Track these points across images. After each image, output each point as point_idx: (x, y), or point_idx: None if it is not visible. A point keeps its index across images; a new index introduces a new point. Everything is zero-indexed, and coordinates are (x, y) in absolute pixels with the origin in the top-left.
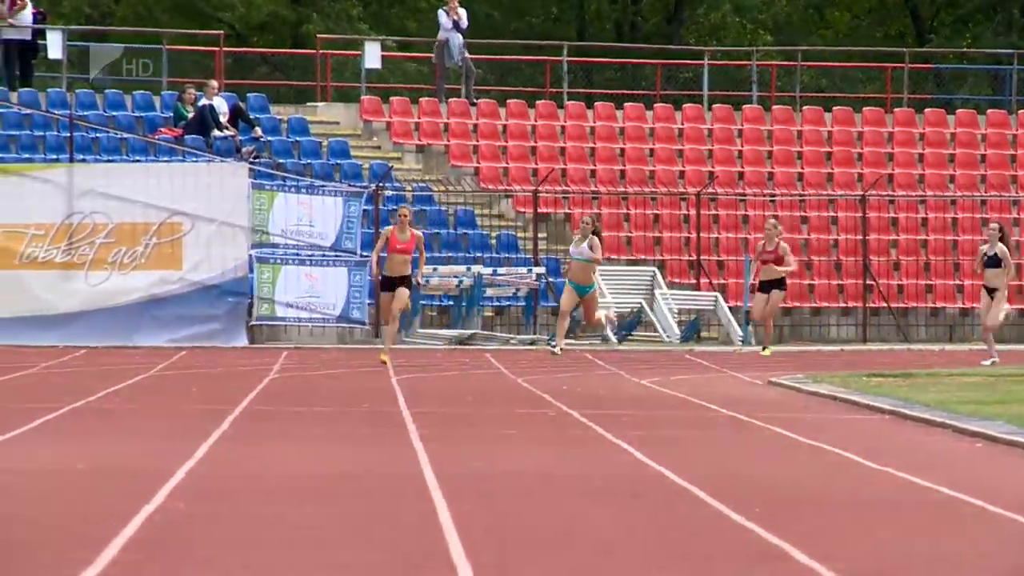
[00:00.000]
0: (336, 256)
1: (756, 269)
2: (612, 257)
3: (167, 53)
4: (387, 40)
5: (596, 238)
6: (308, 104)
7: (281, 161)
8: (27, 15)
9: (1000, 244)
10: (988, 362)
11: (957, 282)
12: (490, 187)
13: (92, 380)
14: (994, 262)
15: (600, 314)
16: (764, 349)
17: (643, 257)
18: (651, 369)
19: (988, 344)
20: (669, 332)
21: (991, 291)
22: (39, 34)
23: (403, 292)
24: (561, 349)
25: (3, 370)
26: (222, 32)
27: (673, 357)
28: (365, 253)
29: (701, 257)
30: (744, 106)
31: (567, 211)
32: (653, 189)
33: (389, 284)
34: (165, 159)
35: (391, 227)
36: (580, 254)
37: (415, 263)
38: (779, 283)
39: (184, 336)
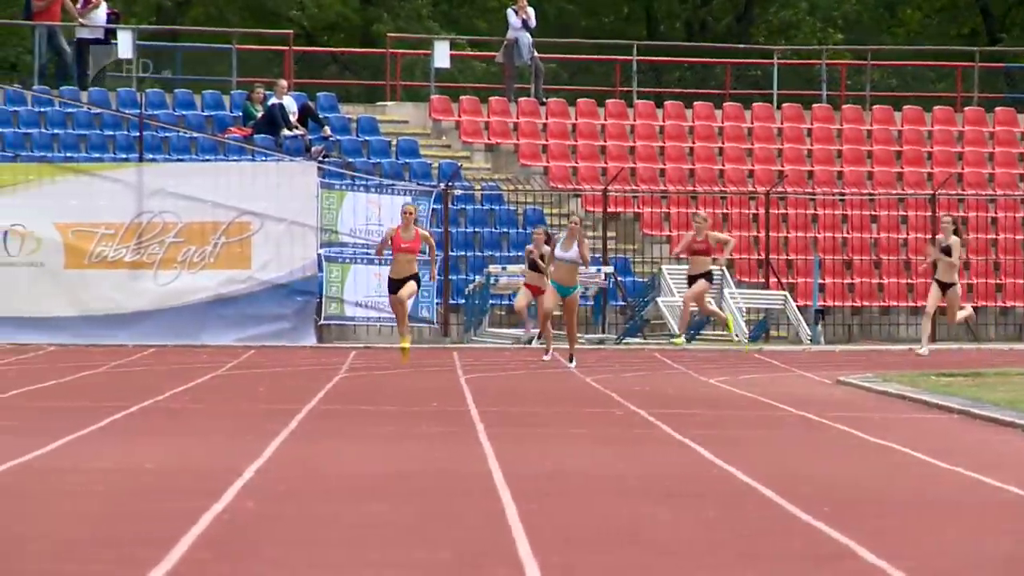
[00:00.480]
0: None
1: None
2: (681, 256)
3: (237, 53)
4: (457, 39)
5: (585, 240)
6: (377, 103)
7: (350, 160)
8: (100, 14)
9: (953, 236)
10: (923, 350)
11: None
12: (559, 186)
13: (160, 379)
14: (946, 251)
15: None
16: (677, 337)
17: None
18: (719, 368)
19: (923, 336)
20: (737, 331)
21: (943, 285)
22: (111, 34)
23: (410, 285)
24: (552, 351)
25: (72, 369)
26: (291, 32)
27: (741, 356)
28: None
29: (770, 256)
30: (814, 105)
31: (636, 210)
32: (722, 188)
33: (395, 287)
34: (234, 158)
35: (396, 226)
36: (568, 256)
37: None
38: (707, 274)
39: (252, 335)
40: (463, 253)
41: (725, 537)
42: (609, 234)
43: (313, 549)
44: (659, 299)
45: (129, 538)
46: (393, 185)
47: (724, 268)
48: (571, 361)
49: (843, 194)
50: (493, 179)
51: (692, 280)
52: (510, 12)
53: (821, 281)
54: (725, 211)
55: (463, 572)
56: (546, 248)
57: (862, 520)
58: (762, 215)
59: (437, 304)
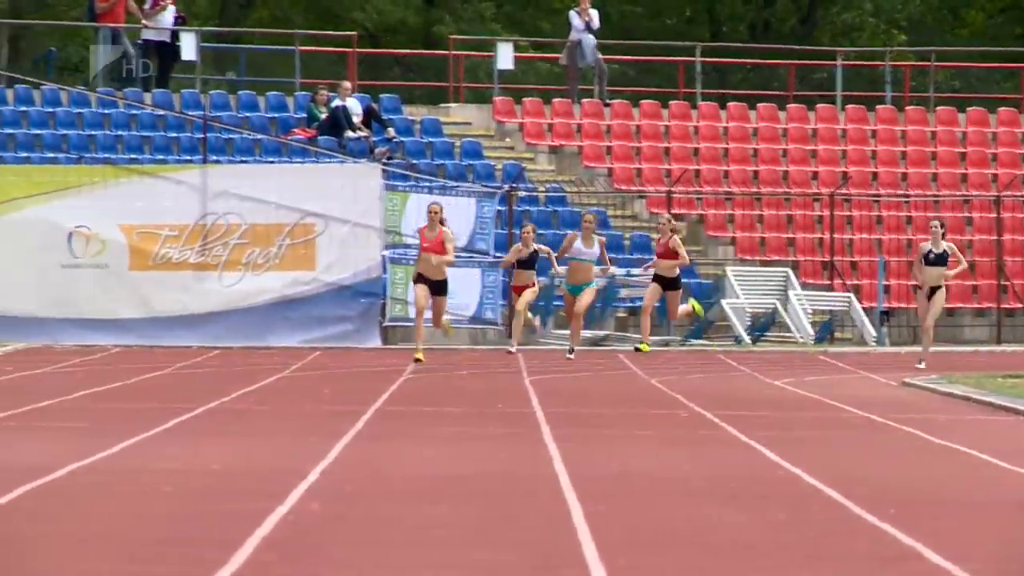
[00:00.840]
0: (469, 257)
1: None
2: (746, 258)
3: (300, 54)
4: (520, 41)
5: (601, 238)
6: (441, 105)
7: (414, 162)
8: (167, 17)
9: (944, 242)
10: (921, 364)
11: None
12: (623, 188)
13: (225, 381)
14: (941, 260)
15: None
16: (642, 344)
17: (776, 258)
18: (784, 370)
19: (925, 345)
20: (803, 333)
21: (932, 289)
22: (176, 36)
23: (441, 304)
24: (574, 349)
25: (138, 371)
26: (355, 33)
27: (806, 358)
28: (498, 254)
29: (835, 258)
30: (878, 106)
31: (701, 212)
32: (786, 190)
33: (423, 280)
34: (298, 160)
35: (422, 225)
36: (587, 255)
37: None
38: (673, 282)
39: (317, 337)
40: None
41: (791, 539)
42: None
43: (378, 550)
44: (724, 301)
45: (195, 539)
46: (457, 187)
47: (789, 270)
48: (571, 352)
49: (907, 196)
50: (557, 181)
51: (662, 283)
52: (573, 14)
53: (886, 283)
54: (789, 213)
55: (530, 574)
56: (538, 246)
57: (927, 521)
58: (826, 217)
59: (502, 305)
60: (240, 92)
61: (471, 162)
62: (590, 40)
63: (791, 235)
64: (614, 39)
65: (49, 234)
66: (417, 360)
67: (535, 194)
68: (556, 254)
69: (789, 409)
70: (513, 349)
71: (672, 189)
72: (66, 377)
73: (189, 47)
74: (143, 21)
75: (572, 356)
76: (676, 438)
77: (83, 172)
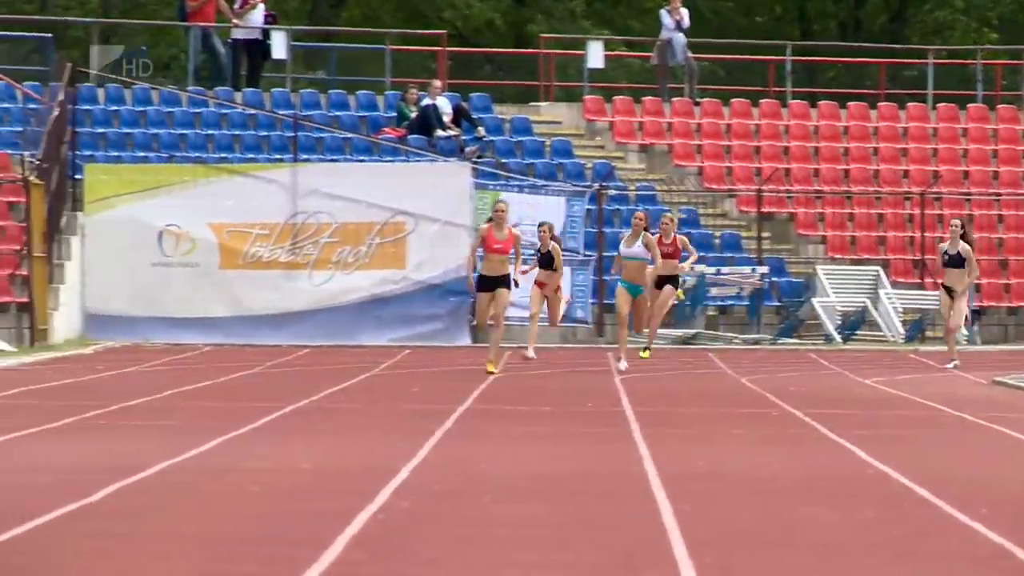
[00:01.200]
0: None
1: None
2: (836, 256)
3: (391, 53)
4: (610, 39)
5: (649, 235)
6: (531, 104)
7: (504, 161)
8: (257, 16)
9: (962, 242)
10: (951, 364)
11: None
12: (713, 187)
13: (315, 380)
14: (956, 262)
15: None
16: (644, 350)
17: (867, 256)
18: (875, 369)
19: (949, 346)
20: (893, 331)
21: (951, 291)
22: (266, 35)
23: (503, 295)
24: (626, 362)
25: (228, 369)
26: (445, 32)
27: (897, 357)
28: (588, 252)
29: (925, 256)
30: (969, 105)
31: (791, 211)
32: (877, 189)
33: (486, 284)
34: (388, 159)
35: (487, 224)
36: (634, 253)
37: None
38: (674, 279)
39: (406, 335)
40: (616, 253)
41: (882, 537)
42: (764, 234)
43: (467, 549)
44: (814, 299)
45: (284, 538)
46: (547, 185)
47: (880, 268)
48: (634, 357)
49: (998, 194)
50: (647, 179)
51: (659, 282)
52: (663, 13)
53: (977, 281)
54: (880, 211)
55: (618, 573)
56: (552, 244)
57: (1020, 521)
58: (917, 216)
59: (592, 304)
60: (331, 91)
61: (561, 161)
62: (680, 39)
63: (882, 233)
64: (704, 38)
65: (140, 233)
66: (489, 373)
67: (625, 193)
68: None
69: (879, 408)
70: (623, 365)
71: (762, 188)
72: (156, 375)
73: (280, 46)
74: (233, 20)
75: (623, 366)
76: (766, 437)
77: (174, 171)
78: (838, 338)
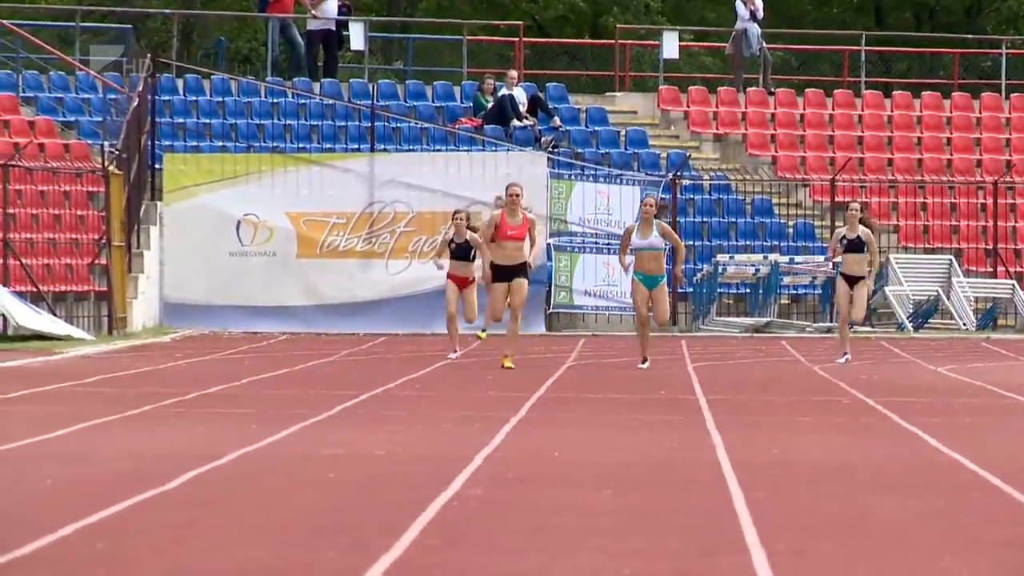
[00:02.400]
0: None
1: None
2: (909, 245)
3: (467, 44)
4: (685, 30)
5: (664, 224)
6: (607, 94)
7: (579, 150)
8: (331, 6)
9: (862, 227)
10: (843, 359)
11: None
12: (787, 176)
13: (391, 367)
14: (856, 246)
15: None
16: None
17: (940, 245)
18: (947, 357)
19: (842, 338)
20: (966, 320)
21: (851, 279)
22: (342, 26)
23: (522, 286)
24: (647, 359)
25: (305, 357)
26: (522, 23)
27: (969, 345)
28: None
29: (998, 245)
30: None
31: (864, 200)
32: (950, 178)
33: (502, 274)
34: (465, 149)
35: (500, 210)
36: (650, 244)
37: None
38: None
39: (481, 324)
40: (691, 242)
41: (952, 526)
42: (837, 223)
43: (540, 536)
44: (886, 288)
45: (359, 525)
46: (622, 175)
47: (952, 257)
48: (644, 362)
49: None
50: (721, 169)
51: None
52: (739, 3)
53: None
54: (953, 201)
55: (691, 560)
56: (471, 234)
57: None
58: (990, 205)
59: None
60: (408, 81)
61: (636, 150)
62: (755, 29)
63: (955, 223)
64: (779, 28)
65: (218, 222)
66: (504, 367)
67: (699, 182)
68: (620, 249)
69: (951, 396)
70: (646, 364)
71: (836, 177)
72: (233, 364)
73: (357, 37)
74: (311, 11)
75: (645, 366)
76: (837, 425)
77: (252, 161)
78: (910, 326)
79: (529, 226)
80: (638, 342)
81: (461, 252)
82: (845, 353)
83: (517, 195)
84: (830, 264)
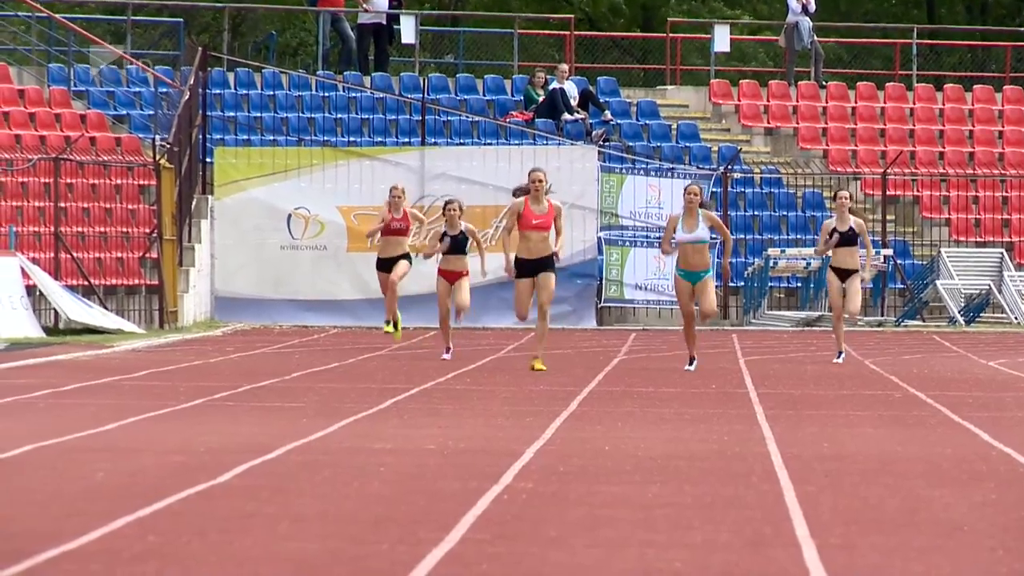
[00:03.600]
0: None
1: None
2: (960, 239)
3: (519, 37)
4: (737, 23)
5: (712, 214)
6: (658, 87)
7: (630, 144)
8: (382, 0)
9: (853, 217)
10: (839, 358)
11: None
12: (838, 170)
13: (441, 361)
14: (849, 239)
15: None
16: (388, 324)
17: (991, 239)
18: (998, 351)
19: (837, 335)
20: (1017, 314)
21: (843, 273)
22: (394, 19)
23: (549, 280)
24: (695, 359)
25: (354, 351)
26: (572, 16)
27: (1021, 339)
28: (713, 236)
29: None
30: None
31: (915, 194)
32: (1002, 171)
33: (527, 268)
34: (516, 142)
35: (523, 198)
36: (696, 236)
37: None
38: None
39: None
40: (742, 236)
41: (1004, 519)
42: (888, 217)
43: (592, 530)
44: (938, 282)
45: (410, 518)
46: (673, 169)
47: (1004, 251)
48: (691, 364)
49: None
50: (772, 163)
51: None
52: None
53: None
54: (1004, 194)
55: (742, 553)
56: (466, 225)
57: None
58: None
59: (716, 287)
60: (459, 75)
61: (687, 144)
62: (807, 22)
63: (1006, 216)
64: (830, 22)
65: (269, 216)
66: (534, 368)
67: (751, 176)
68: (662, 240)
69: (1002, 389)
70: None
71: (887, 171)
72: (284, 357)
73: (408, 30)
74: (362, 5)
75: (692, 368)
76: (889, 418)
77: (303, 155)
78: (961, 320)
79: (556, 214)
80: (684, 341)
81: (455, 245)
82: (840, 352)
83: (541, 180)
84: (880, 258)
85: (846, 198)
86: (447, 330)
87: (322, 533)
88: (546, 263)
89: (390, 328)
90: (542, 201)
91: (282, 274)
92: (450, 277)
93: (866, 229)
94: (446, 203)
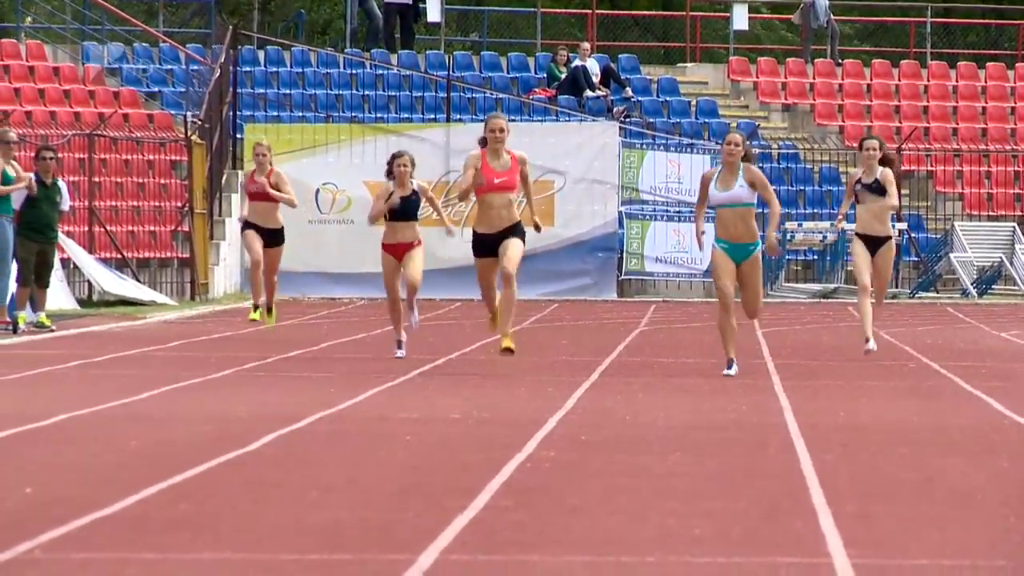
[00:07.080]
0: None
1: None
2: (973, 213)
3: (541, 16)
4: (755, 2)
5: (755, 169)
6: (678, 65)
7: (651, 120)
8: None
9: (882, 168)
10: (869, 346)
11: None
12: (854, 145)
13: (466, 332)
14: (877, 190)
15: None
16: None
17: (1004, 213)
18: (1010, 322)
19: (864, 319)
20: None
21: (870, 241)
22: None
23: (514, 244)
24: (734, 362)
25: (381, 322)
26: None
27: None
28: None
29: None
30: None
31: (929, 169)
32: (1014, 147)
33: (488, 245)
34: (539, 119)
35: (478, 150)
36: (735, 197)
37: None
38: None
39: (555, 290)
40: (760, 210)
41: (1018, 488)
42: (903, 192)
43: (613, 498)
44: (952, 255)
45: (435, 486)
46: (692, 144)
47: (1016, 225)
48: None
49: None
50: (790, 138)
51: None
52: None
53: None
54: (1016, 169)
55: (759, 522)
56: (419, 183)
57: None
58: None
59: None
60: (483, 53)
61: (706, 120)
62: (823, 1)
63: (1018, 191)
64: (846, 0)
65: (297, 191)
66: (506, 350)
67: (768, 151)
68: (697, 203)
69: (1015, 360)
70: (732, 370)
71: (902, 146)
72: (312, 328)
73: (434, 9)
74: None
75: (732, 372)
76: (903, 389)
77: (331, 131)
78: (974, 292)
79: (520, 164)
80: (719, 336)
81: (405, 209)
82: (868, 339)
83: (501, 129)
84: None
85: (874, 148)
86: (398, 318)
87: (350, 502)
88: (512, 229)
89: (258, 314)
90: (503, 155)
91: (310, 247)
92: (397, 251)
93: (892, 179)
94: (394, 156)
